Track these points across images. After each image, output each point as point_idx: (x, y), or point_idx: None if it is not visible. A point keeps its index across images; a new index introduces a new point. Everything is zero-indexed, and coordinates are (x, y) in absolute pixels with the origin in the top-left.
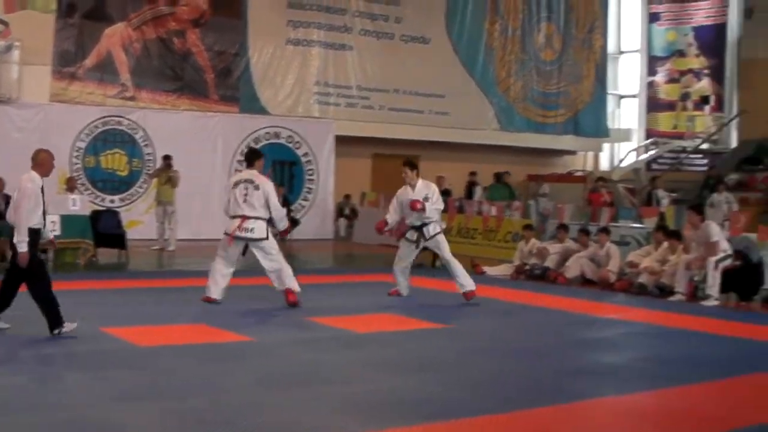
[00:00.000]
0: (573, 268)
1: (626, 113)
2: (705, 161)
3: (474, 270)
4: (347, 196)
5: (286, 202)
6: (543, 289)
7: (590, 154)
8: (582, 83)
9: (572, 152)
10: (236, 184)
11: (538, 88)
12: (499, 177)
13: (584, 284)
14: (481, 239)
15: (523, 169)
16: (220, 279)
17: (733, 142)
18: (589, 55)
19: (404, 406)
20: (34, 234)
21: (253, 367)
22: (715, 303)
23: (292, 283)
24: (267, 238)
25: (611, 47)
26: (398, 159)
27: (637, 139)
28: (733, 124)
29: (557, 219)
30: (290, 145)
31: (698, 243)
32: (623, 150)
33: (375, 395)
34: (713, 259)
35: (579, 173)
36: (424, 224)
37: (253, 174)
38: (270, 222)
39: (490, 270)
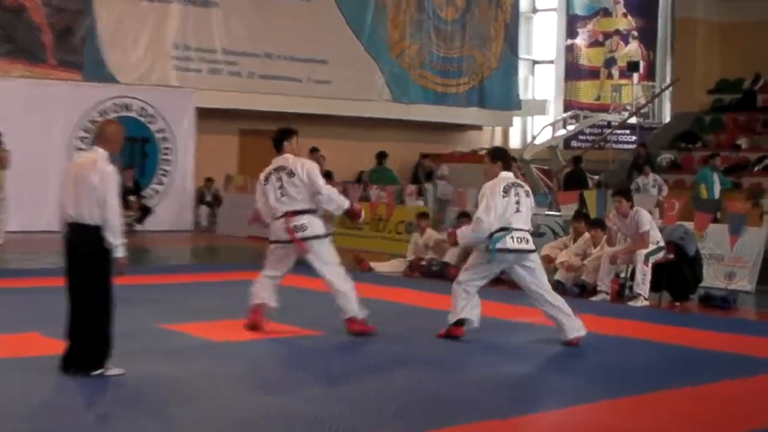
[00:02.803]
0: None
1: (541, 82)
2: (633, 138)
3: (359, 266)
4: (210, 180)
5: (136, 187)
6: (442, 288)
7: (498, 130)
8: (489, 47)
9: (477, 127)
10: (266, 178)
11: (438, 52)
12: (381, 158)
13: (491, 283)
14: (368, 230)
15: (420, 147)
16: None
17: (666, 116)
18: (498, 13)
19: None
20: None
21: (86, 386)
22: (645, 303)
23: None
24: (322, 236)
25: (524, 5)
26: (270, 136)
27: (554, 113)
28: (666, 95)
29: (458, 206)
30: (143, 118)
31: (625, 234)
32: (537, 125)
33: (247, 415)
34: (643, 252)
35: (485, 152)
36: None
37: (284, 159)
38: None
39: (378, 266)
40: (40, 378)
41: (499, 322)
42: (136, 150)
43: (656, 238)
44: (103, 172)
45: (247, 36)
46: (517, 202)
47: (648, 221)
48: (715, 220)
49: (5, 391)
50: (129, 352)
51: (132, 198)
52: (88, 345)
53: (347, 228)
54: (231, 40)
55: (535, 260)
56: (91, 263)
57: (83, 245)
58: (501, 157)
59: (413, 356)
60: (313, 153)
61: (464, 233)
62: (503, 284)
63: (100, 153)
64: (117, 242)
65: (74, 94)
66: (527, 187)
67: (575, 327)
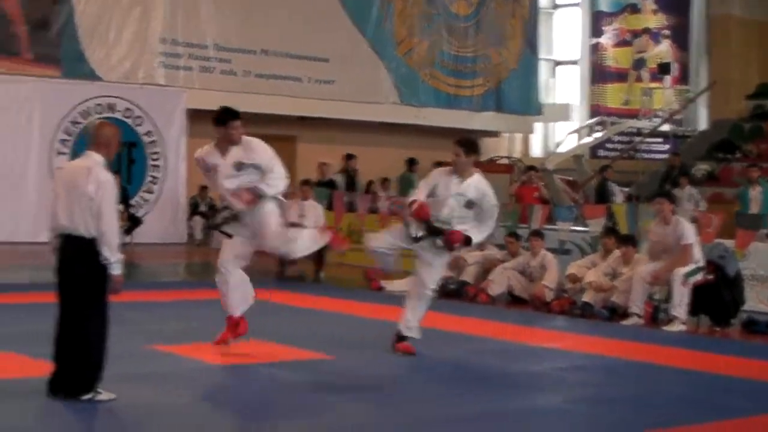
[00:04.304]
0: (498, 282)
1: (564, 84)
2: (666, 147)
3: (369, 285)
4: (204, 188)
5: (123, 196)
6: (459, 309)
7: (518, 137)
8: (506, 45)
9: (494, 134)
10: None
11: (450, 50)
12: (411, 164)
13: (512, 303)
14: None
15: (430, 155)
16: None
17: (702, 123)
18: (515, 9)
19: None
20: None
21: (75, 412)
22: (682, 328)
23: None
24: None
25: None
26: (267, 140)
27: (579, 118)
28: (701, 100)
29: None
30: (128, 120)
31: (665, 247)
32: (560, 131)
33: None
34: (681, 271)
35: (503, 161)
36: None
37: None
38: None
39: (389, 285)
40: (23, 402)
41: (522, 348)
42: (122, 155)
43: (698, 255)
44: (99, 180)
45: (242, 30)
46: None
47: (692, 234)
48: None
49: None
50: (118, 375)
51: (119, 207)
52: (77, 367)
53: (355, 242)
54: (224, 34)
55: None
56: (84, 279)
57: (77, 259)
58: (475, 150)
59: (419, 384)
60: (322, 167)
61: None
62: (524, 304)
63: (95, 158)
64: (113, 258)
65: (52, 93)
66: None
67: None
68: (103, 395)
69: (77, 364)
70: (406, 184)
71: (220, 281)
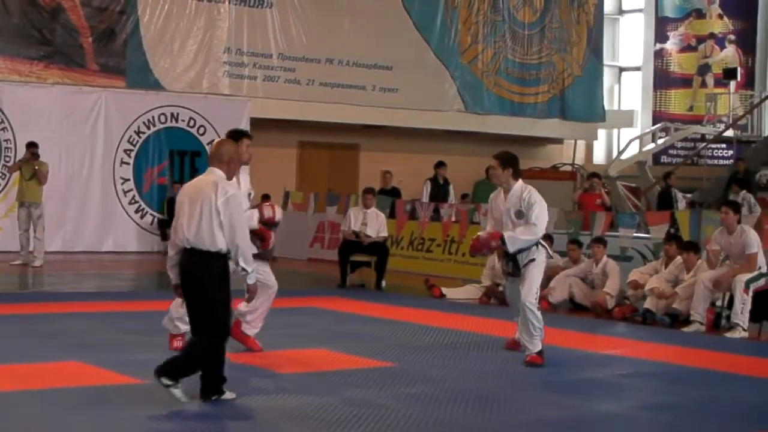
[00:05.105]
0: (559, 289)
1: (627, 91)
2: (730, 153)
3: (430, 292)
4: (266, 197)
5: None
6: None
7: (581, 144)
8: (570, 52)
9: (558, 140)
10: None
11: (515, 58)
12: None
13: (574, 311)
14: (440, 253)
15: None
16: None
17: (767, 129)
18: (580, 15)
19: None
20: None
21: (143, 416)
22: (744, 335)
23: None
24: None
25: (608, 6)
26: (331, 148)
27: (642, 125)
28: (766, 105)
29: None
30: (192, 129)
31: (730, 254)
32: (624, 138)
33: None
34: (743, 277)
35: (566, 168)
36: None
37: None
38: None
39: (450, 292)
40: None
41: (584, 355)
42: (185, 164)
43: (762, 262)
44: (228, 194)
45: (306, 40)
46: None
47: (757, 243)
48: None
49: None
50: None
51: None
52: (210, 372)
53: (417, 250)
54: (288, 44)
55: None
56: (210, 291)
57: (203, 273)
58: (513, 163)
59: (483, 391)
60: (386, 176)
61: (514, 236)
62: (586, 312)
63: (218, 174)
64: (249, 268)
65: (117, 103)
66: None
67: None
68: (227, 395)
69: (209, 369)
70: (482, 191)
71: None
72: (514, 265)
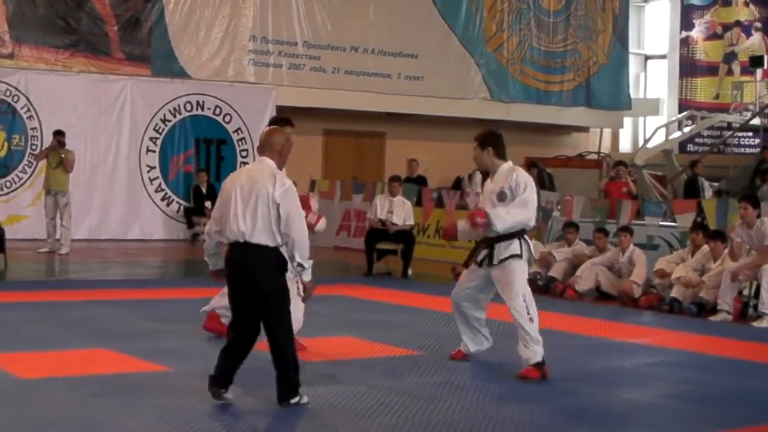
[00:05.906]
0: (585, 278)
1: (653, 79)
2: (757, 141)
3: (456, 280)
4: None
5: (212, 193)
6: (546, 305)
7: (607, 132)
8: (596, 40)
9: (584, 129)
10: None
11: (540, 46)
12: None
13: (600, 299)
14: (466, 241)
15: (520, 151)
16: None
17: None
18: (606, 3)
19: None
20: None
21: (169, 404)
22: None
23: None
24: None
25: None
26: (356, 136)
27: (668, 113)
28: None
29: (564, 215)
30: (218, 118)
31: (752, 246)
32: (650, 126)
33: None
34: None
35: (592, 156)
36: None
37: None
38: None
39: None
40: (140, 399)
41: (610, 344)
42: (211, 152)
43: None
44: (286, 185)
45: (332, 28)
46: None
47: None
48: None
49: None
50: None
51: (208, 205)
52: (281, 373)
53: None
54: (314, 32)
55: None
56: (269, 288)
57: (260, 269)
58: (492, 142)
59: (509, 380)
60: (411, 164)
61: (500, 215)
62: (612, 300)
63: (270, 164)
64: (306, 264)
65: (142, 91)
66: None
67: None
68: (305, 398)
69: (279, 371)
70: None
71: None
72: (488, 254)
